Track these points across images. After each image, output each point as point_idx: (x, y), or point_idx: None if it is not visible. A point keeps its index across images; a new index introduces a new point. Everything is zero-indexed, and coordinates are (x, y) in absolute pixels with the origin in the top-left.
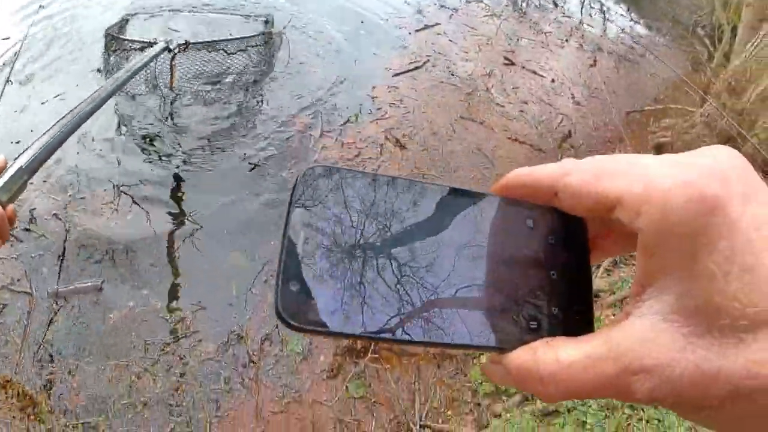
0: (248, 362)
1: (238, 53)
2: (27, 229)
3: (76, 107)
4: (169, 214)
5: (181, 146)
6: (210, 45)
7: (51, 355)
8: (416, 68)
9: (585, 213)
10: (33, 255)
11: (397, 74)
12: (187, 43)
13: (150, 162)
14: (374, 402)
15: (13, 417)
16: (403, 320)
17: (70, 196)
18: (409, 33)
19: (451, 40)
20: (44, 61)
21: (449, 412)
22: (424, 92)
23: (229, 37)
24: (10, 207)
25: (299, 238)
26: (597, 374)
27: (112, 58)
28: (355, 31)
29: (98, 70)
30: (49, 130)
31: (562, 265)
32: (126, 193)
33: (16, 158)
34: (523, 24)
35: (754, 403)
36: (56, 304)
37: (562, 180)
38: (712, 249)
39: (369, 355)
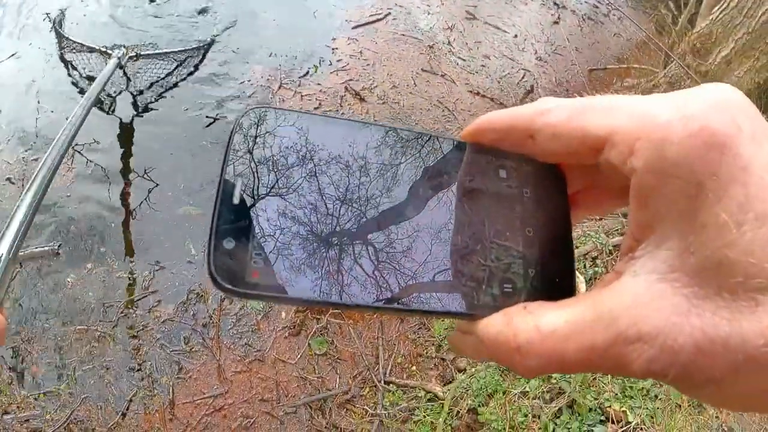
0: (209, 322)
1: (188, 60)
2: None
3: (45, 159)
4: (124, 172)
5: (136, 100)
6: (159, 56)
7: (8, 323)
8: (377, 20)
9: (566, 158)
10: None
11: (357, 26)
12: (137, 55)
13: (104, 117)
14: (337, 359)
15: None
16: (354, 283)
17: (23, 158)
18: None
19: None
20: None
21: (413, 368)
22: (385, 45)
23: (177, 49)
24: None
25: (236, 189)
26: (584, 343)
27: (65, 54)
28: None
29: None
30: (20, 201)
31: (538, 220)
32: (80, 153)
33: None
34: None
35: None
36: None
37: (540, 119)
38: (721, 194)
39: (330, 311)
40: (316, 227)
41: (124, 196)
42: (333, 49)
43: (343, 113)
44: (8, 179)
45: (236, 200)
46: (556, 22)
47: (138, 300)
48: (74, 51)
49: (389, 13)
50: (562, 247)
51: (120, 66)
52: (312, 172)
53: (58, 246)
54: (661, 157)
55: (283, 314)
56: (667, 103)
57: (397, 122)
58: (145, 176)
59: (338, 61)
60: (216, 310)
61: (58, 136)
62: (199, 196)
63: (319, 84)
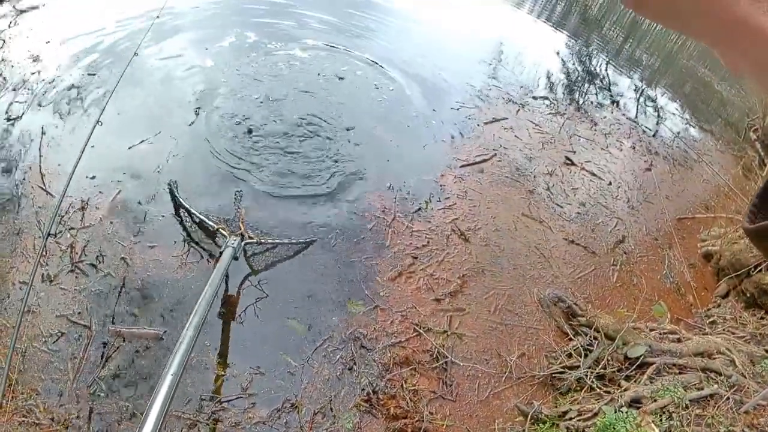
0: None
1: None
2: (93, 265)
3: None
4: (236, 275)
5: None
6: (270, 245)
7: (103, 392)
8: (483, 161)
9: None
10: (96, 291)
11: (465, 165)
12: (257, 242)
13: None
14: None
15: None
16: None
17: (138, 242)
18: (478, 124)
19: (516, 136)
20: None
21: None
22: (489, 187)
23: (287, 241)
24: None
25: None
26: None
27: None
28: (428, 116)
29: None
30: (157, 389)
31: None
32: (196, 248)
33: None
34: (584, 123)
35: None
36: (114, 342)
37: None
38: None
39: None
40: None
41: (232, 298)
42: (441, 186)
43: (447, 252)
44: (122, 258)
45: None
46: (648, 169)
47: (234, 399)
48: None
49: (495, 155)
50: None
51: (235, 257)
52: None
53: (164, 332)
54: None
55: None
56: None
57: (496, 266)
58: (257, 286)
59: (446, 198)
60: (308, 422)
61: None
62: (300, 312)
63: (428, 221)
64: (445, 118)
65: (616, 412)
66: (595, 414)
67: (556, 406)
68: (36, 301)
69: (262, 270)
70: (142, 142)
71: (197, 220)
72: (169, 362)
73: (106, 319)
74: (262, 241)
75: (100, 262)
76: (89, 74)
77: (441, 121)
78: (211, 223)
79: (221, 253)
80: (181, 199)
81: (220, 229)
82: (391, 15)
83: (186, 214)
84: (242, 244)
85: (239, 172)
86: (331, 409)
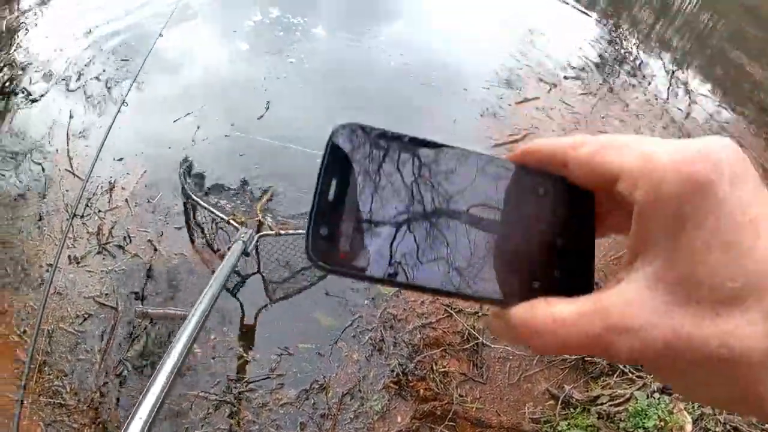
0: (327, 413)
1: None
2: (120, 246)
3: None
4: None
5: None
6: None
7: (128, 373)
8: (515, 141)
9: (592, 184)
10: (123, 272)
11: (497, 145)
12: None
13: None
14: None
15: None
16: (418, 268)
17: (167, 223)
18: (510, 104)
19: (548, 116)
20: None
21: None
22: None
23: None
24: None
25: (331, 188)
26: (585, 330)
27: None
28: (458, 94)
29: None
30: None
31: (567, 233)
32: (223, 229)
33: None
34: (616, 105)
35: (723, 373)
36: (141, 323)
37: (572, 152)
38: (698, 225)
39: (446, 422)
40: (391, 223)
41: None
42: None
43: None
44: (149, 241)
45: (330, 197)
46: None
47: (261, 380)
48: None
49: (527, 135)
50: (584, 257)
51: (245, 252)
52: (390, 180)
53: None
54: (657, 192)
55: (399, 418)
56: (669, 148)
57: None
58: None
59: None
60: (336, 404)
61: (188, 319)
62: (335, 311)
63: None
64: (475, 97)
65: (648, 397)
66: (627, 399)
67: (588, 391)
68: (63, 283)
69: (280, 299)
70: (183, 117)
71: (209, 217)
72: (161, 364)
73: (133, 300)
74: (282, 232)
75: (127, 244)
76: (118, 58)
77: (472, 100)
78: (221, 215)
79: (229, 248)
80: (188, 191)
81: (231, 220)
82: None
83: (191, 208)
84: (256, 237)
85: None
86: (360, 390)
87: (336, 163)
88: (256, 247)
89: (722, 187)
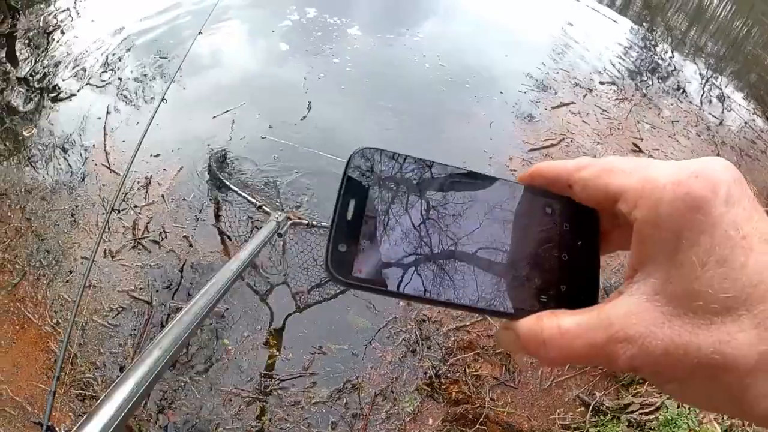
0: (359, 413)
1: None
2: (155, 242)
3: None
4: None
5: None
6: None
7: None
8: (552, 146)
9: (595, 204)
10: (157, 267)
11: (533, 149)
12: (304, 223)
13: None
14: None
15: None
16: (432, 283)
17: (204, 219)
18: (545, 108)
19: (584, 121)
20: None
21: None
22: None
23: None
24: None
25: (349, 208)
26: (588, 341)
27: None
28: (494, 97)
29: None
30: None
31: (573, 249)
32: (252, 218)
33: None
34: (651, 110)
35: (716, 379)
36: (174, 318)
37: (577, 173)
38: (693, 242)
39: (477, 425)
40: (407, 241)
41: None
42: (511, 170)
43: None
44: (185, 237)
45: (349, 216)
46: None
47: (294, 378)
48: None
49: (562, 139)
50: (589, 271)
51: (278, 232)
52: (406, 200)
53: (225, 309)
54: (655, 211)
55: (431, 420)
56: (667, 170)
57: None
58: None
59: None
60: (368, 404)
61: (198, 295)
62: (368, 313)
63: None
64: (511, 101)
65: (678, 407)
66: (657, 408)
67: (618, 398)
68: (98, 276)
69: (308, 307)
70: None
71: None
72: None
73: (167, 294)
74: (314, 223)
75: (162, 239)
76: (154, 56)
77: (508, 104)
78: (253, 200)
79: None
80: (219, 176)
81: (264, 206)
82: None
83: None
84: (288, 222)
85: None
86: (392, 391)
87: (355, 184)
88: (284, 243)
89: (718, 205)
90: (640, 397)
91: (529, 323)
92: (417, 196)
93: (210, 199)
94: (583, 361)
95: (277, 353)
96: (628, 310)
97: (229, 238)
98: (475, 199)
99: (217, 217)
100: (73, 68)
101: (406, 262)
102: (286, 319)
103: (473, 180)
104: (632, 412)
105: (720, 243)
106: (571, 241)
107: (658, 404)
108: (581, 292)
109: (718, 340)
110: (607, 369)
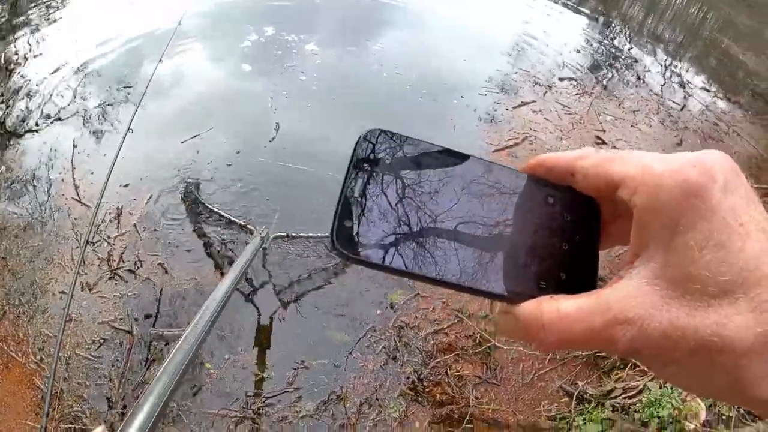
0: (346, 423)
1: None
2: (131, 271)
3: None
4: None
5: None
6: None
7: None
8: (515, 145)
9: (596, 192)
10: (135, 297)
11: (497, 150)
12: (286, 236)
13: None
14: None
15: None
16: (435, 263)
17: (177, 246)
18: (507, 109)
19: (546, 118)
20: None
21: None
22: None
23: (319, 234)
24: None
25: (357, 186)
26: (588, 324)
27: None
28: (455, 101)
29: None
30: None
31: (573, 237)
32: (228, 255)
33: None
34: (612, 102)
35: (714, 361)
36: (156, 345)
37: (578, 162)
38: (691, 227)
39: (464, 425)
40: (411, 220)
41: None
42: None
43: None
44: (160, 264)
45: (356, 193)
46: (678, 144)
47: (279, 394)
48: (210, 221)
49: (525, 138)
50: (588, 260)
51: (263, 247)
52: (411, 181)
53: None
54: (655, 198)
55: (417, 423)
56: (666, 159)
57: None
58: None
59: None
60: (355, 413)
61: (198, 316)
62: (346, 327)
63: None
64: (473, 105)
65: (661, 387)
66: (640, 391)
67: (601, 386)
68: (77, 310)
69: (292, 301)
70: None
71: (225, 220)
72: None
73: (147, 323)
74: (293, 234)
75: (138, 268)
76: (115, 85)
77: (469, 107)
78: (236, 219)
79: (247, 243)
80: (201, 200)
81: (248, 225)
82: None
83: (207, 212)
84: (271, 236)
85: None
86: (377, 398)
87: (362, 162)
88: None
89: (715, 192)
90: (622, 381)
91: (528, 307)
92: (421, 177)
93: (193, 230)
94: (583, 345)
95: (260, 372)
96: (628, 294)
97: (221, 264)
98: (482, 184)
99: (207, 246)
100: (38, 104)
101: (411, 240)
102: (267, 336)
103: (480, 165)
104: (615, 397)
105: (718, 229)
106: (572, 229)
107: (640, 387)
108: (581, 279)
109: (715, 323)
110: (606, 353)
